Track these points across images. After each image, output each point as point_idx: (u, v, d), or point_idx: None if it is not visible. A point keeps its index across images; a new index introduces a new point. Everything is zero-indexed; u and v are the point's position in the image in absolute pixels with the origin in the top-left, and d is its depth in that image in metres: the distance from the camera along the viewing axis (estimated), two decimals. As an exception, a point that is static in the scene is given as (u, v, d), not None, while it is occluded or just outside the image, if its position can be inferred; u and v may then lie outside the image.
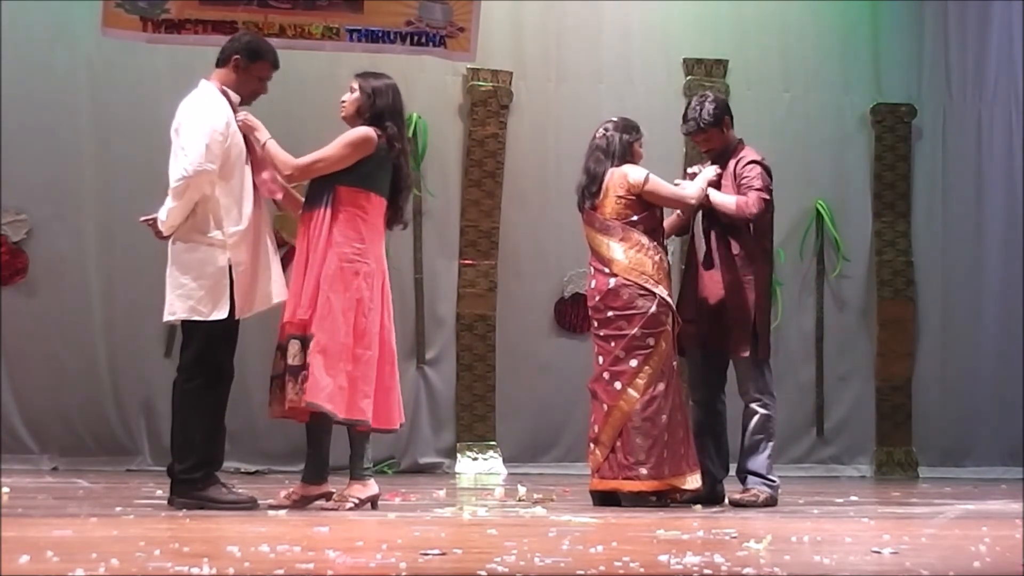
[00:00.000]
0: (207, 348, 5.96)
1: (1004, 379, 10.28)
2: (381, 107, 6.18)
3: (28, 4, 9.11)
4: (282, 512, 5.78)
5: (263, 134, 6.06)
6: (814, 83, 10.31)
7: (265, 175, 6.09)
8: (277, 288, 6.12)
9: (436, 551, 4.19)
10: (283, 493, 6.23)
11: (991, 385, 10.32)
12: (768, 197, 6.78)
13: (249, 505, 5.93)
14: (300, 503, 6.12)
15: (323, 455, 6.19)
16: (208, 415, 5.98)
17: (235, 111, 6.07)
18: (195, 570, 3.60)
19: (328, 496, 6.18)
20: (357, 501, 6.04)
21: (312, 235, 6.09)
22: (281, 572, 3.64)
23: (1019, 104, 10.48)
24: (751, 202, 6.73)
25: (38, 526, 4.89)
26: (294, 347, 6.01)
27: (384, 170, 6.17)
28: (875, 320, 10.31)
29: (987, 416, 10.31)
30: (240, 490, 6.15)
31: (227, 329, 5.97)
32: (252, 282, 6.01)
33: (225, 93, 6.07)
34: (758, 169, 6.81)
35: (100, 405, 9.21)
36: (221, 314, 5.91)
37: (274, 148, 6.06)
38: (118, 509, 5.81)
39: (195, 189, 5.89)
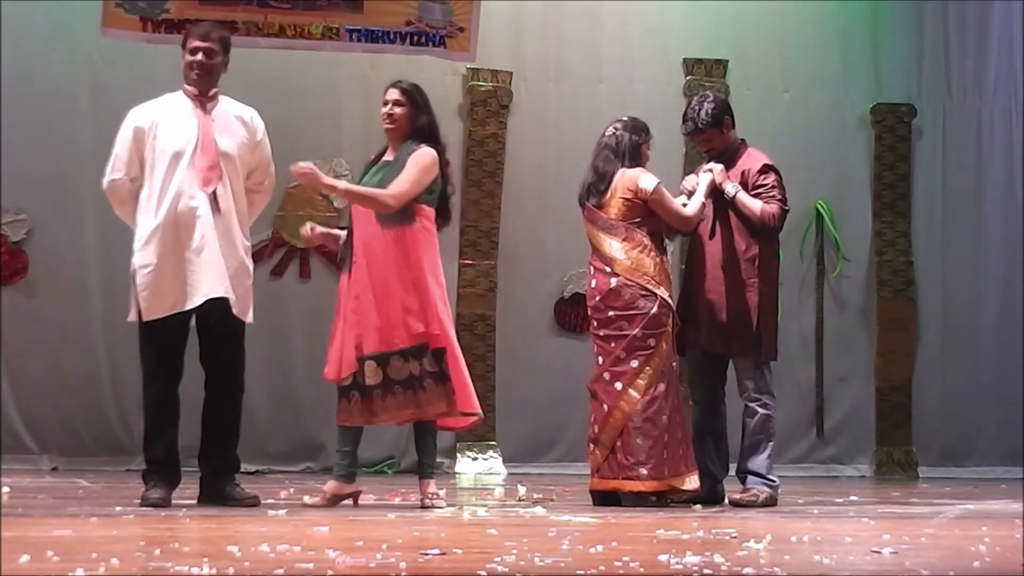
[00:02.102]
0: (141, 349, 6.11)
1: (1004, 379, 10.28)
2: (432, 120, 6.34)
3: (28, 4, 9.11)
4: (282, 512, 5.79)
5: (332, 180, 6.17)
6: (814, 83, 10.31)
7: (204, 163, 6.05)
8: (206, 285, 5.98)
9: (436, 551, 4.19)
10: (307, 497, 6.35)
11: (991, 385, 10.32)
12: (788, 208, 6.81)
13: (158, 503, 5.90)
14: (332, 502, 6.21)
15: (355, 453, 6.31)
16: (148, 416, 6.09)
17: (203, 106, 6.12)
18: (195, 570, 3.60)
19: (357, 495, 6.25)
20: (440, 495, 6.22)
21: (409, 250, 6.14)
22: (281, 572, 3.63)
23: (1019, 104, 10.49)
24: (777, 214, 6.73)
25: (38, 526, 4.89)
26: (430, 359, 6.13)
27: (440, 184, 6.34)
28: (875, 320, 10.31)
29: (987, 416, 10.31)
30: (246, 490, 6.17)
31: (148, 332, 6.03)
32: (162, 282, 5.97)
33: (185, 90, 6.17)
34: (774, 177, 6.80)
35: (100, 405, 9.21)
36: (132, 317, 6.08)
37: (357, 189, 6.20)
38: (118, 509, 5.81)
39: (113, 202, 6.18)
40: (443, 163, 6.34)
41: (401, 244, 6.15)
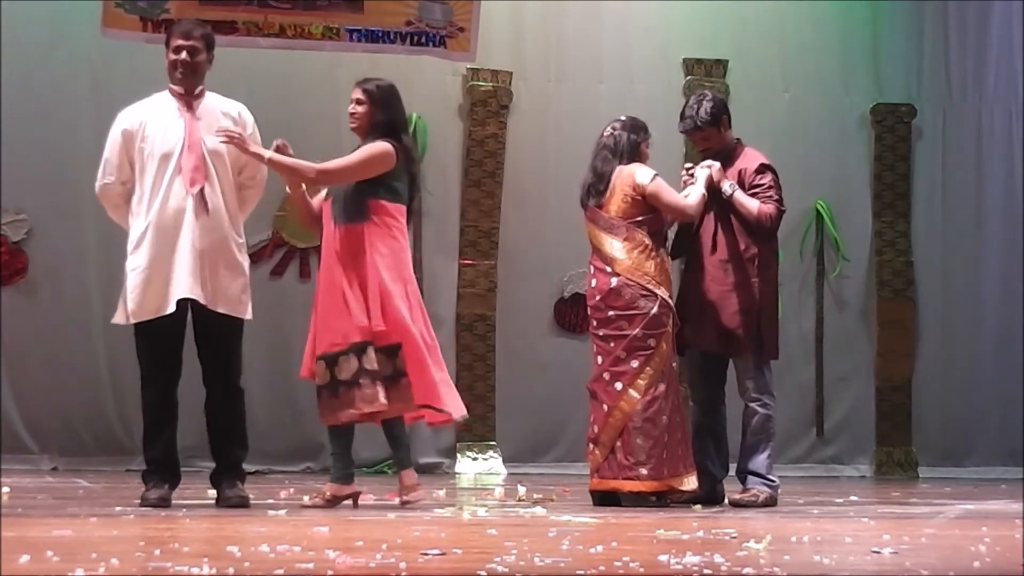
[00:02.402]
0: (137, 351, 6.12)
1: (1004, 379, 10.28)
2: (393, 118, 6.28)
3: (28, 4, 9.11)
4: (282, 512, 5.79)
5: (257, 147, 6.08)
6: (814, 83, 10.31)
7: (189, 164, 6.04)
8: (180, 287, 5.98)
9: (436, 551, 4.19)
10: (307, 497, 6.35)
11: (991, 385, 10.32)
12: (784, 209, 6.81)
13: (157, 504, 5.93)
14: (331, 503, 6.21)
15: (349, 454, 6.32)
16: (146, 417, 6.11)
17: (188, 103, 6.10)
18: (195, 570, 3.60)
19: (357, 496, 6.25)
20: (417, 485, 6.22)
21: (358, 248, 6.13)
22: (281, 572, 3.64)
23: (1019, 104, 10.49)
24: (773, 214, 6.73)
25: (38, 526, 4.89)
26: (381, 357, 6.08)
27: (405, 181, 6.30)
28: (875, 320, 10.31)
29: (987, 416, 10.31)
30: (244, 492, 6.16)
31: (142, 334, 6.06)
32: (150, 285, 5.99)
33: (171, 90, 6.16)
34: (771, 176, 6.79)
35: (100, 405, 9.22)
36: (117, 319, 6.12)
37: (281, 158, 6.10)
38: (118, 509, 5.81)
39: (107, 206, 6.19)
40: (406, 161, 6.28)
41: (351, 241, 6.13)
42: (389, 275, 6.13)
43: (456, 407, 6.28)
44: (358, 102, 6.29)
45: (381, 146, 6.19)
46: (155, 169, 6.02)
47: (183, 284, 5.96)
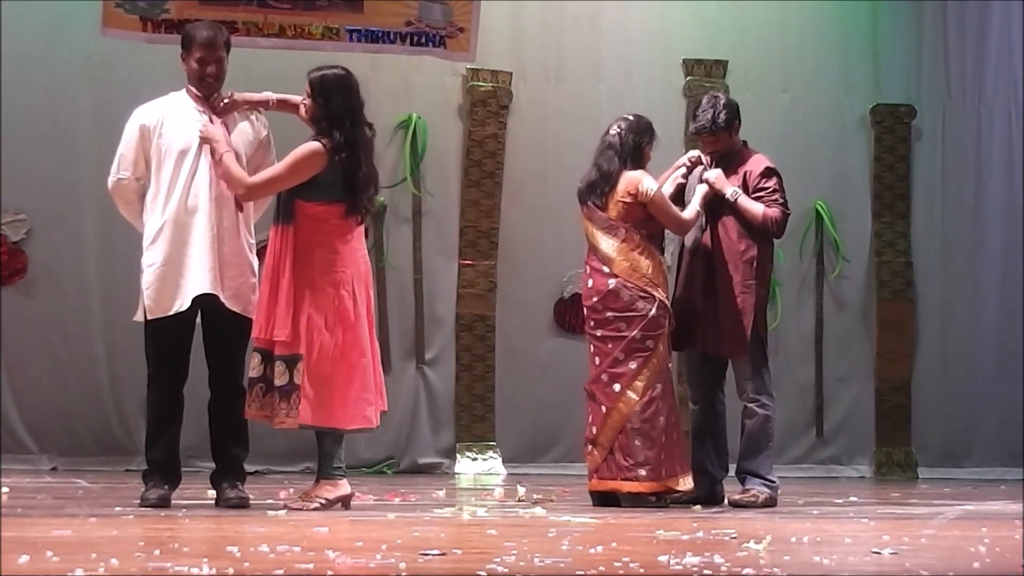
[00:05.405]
0: (146, 348, 6.09)
1: (1004, 379, 10.27)
2: (332, 112, 6.06)
3: (28, 4, 9.11)
4: (282, 512, 5.79)
5: (221, 147, 6.01)
6: (814, 83, 10.31)
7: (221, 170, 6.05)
8: (196, 283, 5.98)
9: (436, 551, 4.20)
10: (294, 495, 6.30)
11: (991, 385, 10.31)
12: (790, 212, 6.82)
13: (157, 504, 5.92)
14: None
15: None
16: (150, 416, 6.10)
17: (209, 106, 6.11)
18: (195, 570, 3.60)
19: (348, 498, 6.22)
20: (324, 501, 6.02)
21: (282, 251, 6.01)
22: (281, 572, 3.64)
23: (1019, 104, 10.48)
24: (778, 218, 6.75)
25: (38, 526, 4.90)
26: (280, 367, 5.95)
27: (338, 177, 6.05)
28: (874, 321, 10.31)
29: (987, 416, 10.31)
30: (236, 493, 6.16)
31: (152, 331, 6.04)
32: (167, 281, 5.98)
33: (189, 91, 6.16)
34: (775, 180, 6.81)
35: (100, 405, 9.21)
36: (138, 317, 6.08)
37: (230, 164, 5.99)
38: (118, 509, 5.82)
39: (119, 202, 6.19)
40: (341, 161, 5.99)
41: (279, 241, 6.02)
42: (314, 281, 5.99)
43: (351, 420, 6.03)
44: (306, 93, 6.15)
45: (306, 149, 6.02)
46: (172, 166, 6.02)
47: (200, 281, 5.97)
